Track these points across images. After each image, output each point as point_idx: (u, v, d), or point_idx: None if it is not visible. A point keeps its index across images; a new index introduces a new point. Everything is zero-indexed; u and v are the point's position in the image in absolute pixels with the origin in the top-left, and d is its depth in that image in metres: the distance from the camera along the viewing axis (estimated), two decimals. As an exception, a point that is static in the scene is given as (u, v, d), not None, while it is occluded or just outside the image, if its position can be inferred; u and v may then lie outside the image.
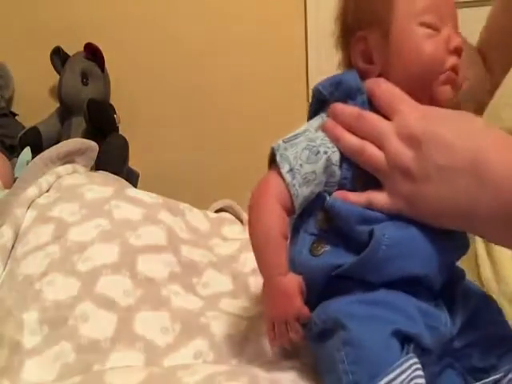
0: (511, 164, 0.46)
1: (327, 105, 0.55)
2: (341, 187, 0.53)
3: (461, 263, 0.83)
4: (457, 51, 0.53)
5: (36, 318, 0.62)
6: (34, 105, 1.71)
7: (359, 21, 0.55)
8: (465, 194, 0.48)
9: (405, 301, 0.50)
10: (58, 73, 1.64)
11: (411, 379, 0.44)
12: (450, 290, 0.54)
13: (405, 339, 0.47)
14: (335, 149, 0.53)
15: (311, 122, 0.56)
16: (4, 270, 0.71)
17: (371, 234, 0.49)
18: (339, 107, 0.54)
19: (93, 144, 0.99)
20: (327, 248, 0.52)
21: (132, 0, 1.70)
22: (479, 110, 0.81)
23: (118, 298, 0.65)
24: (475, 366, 0.51)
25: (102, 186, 0.84)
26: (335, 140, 0.53)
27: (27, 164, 1.15)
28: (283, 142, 0.53)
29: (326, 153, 0.52)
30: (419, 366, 0.45)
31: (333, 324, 0.49)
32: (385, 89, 0.53)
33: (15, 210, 0.77)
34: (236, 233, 0.88)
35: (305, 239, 0.54)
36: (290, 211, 0.53)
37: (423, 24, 0.53)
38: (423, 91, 0.53)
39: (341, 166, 0.53)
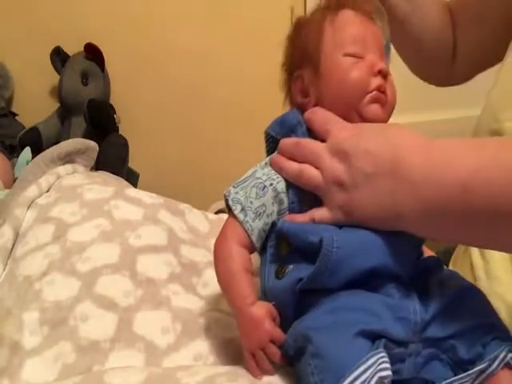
0: (423, 165, 0.51)
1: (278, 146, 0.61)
2: (291, 212, 0.58)
3: (456, 263, 0.84)
4: (381, 73, 0.59)
5: (36, 318, 0.62)
6: (34, 105, 1.71)
7: (295, 62, 0.63)
8: (390, 197, 0.52)
9: (367, 299, 0.51)
10: (58, 73, 1.64)
11: (376, 373, 0.45)
12: (423, 278, 0.55)
13: (374, 336, 0.48)
14: (280, 179, 0.58)
15: (260, 164, 0.61)
16: (4, 270, 0.71)
17: (321, 241, 0.52)
18: (282, 141, 0.60)
19: (93, 144, 0.99)
20: (290, 267, 0.55)
21: (132, 0, 1.70)
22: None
23: (118, 298, 0.65)
24: (462, 357, 0.51)
25: (102, 186, 0.84)
26: (279, 170, 0.59)
27: (27, 164, 1.15)
28: (233, 187, 0.59)
29: (271, 185, 0.58)
30: (385, 359, 0.46)
31: (302, 340, 0.50)
32: (320, 114, 0.59)
33: (15, 210, 0.77)
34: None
35: (271, 268, 0.57)
36: (250, 248, 0.58)
37: (347, 54, 0.59)
38: (353, 112, 0.59)
39: (287, 193, 0.58)
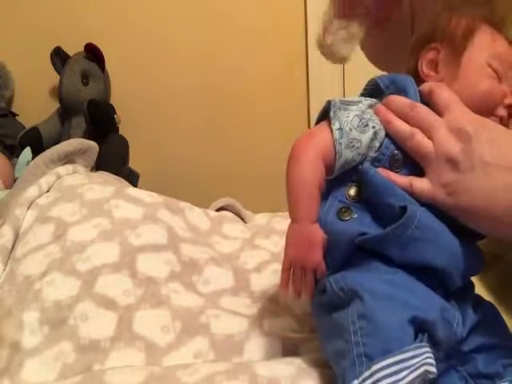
0: None
1: (379, 97, 0.58)
2: (375, 163, 0.55)
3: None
4: (510, 108, 0.57)
5: (36, 318, 0.62)
6: (34, 105, 1.71)
7: (440, 34, 0.59)
8: (505, 190, 0.49)
9: (425, 289, 0.50)
10: (59, 73, 1.64)
11: (422, 365, 0.45)
12: (464, 293, 0.54)
13: (420, 328, 0.47)
14: (383, 128, 0.55)
15: (365, 98, 0.57)
16: (4, 270, 0.71)
17: (404, 210, 0.50)
18: (393, 97, 0.57)
19: (93, 144, 0.99)
20: (355, 216, 0.53)
21: (132, 0, 1.70)
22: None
23: (118, 297, 0.65)
24: (480, 371, 0.51)
25: (102, 186, 0.84)
26: (386, 122, 0.55)
27: (27, 164, 1.15)
28: (340, 101, 0.55)
29: (373, 127, 0.54)
30: (431, 355, 0.46)
31: (351, 295, 0.49)
32: (446, 90, 0.56)
33: (15, 210, 0.77)
34: (237, 231, 0.88)
35: (333, 204, 0.54)
36: (329, 168, 0.54)
37: (490, 65, 0.57)
38: None
39: (382, 144, 0.54)
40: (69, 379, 0.55)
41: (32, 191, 0.82)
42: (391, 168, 0.54)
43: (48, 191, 0.84)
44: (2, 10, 1.69)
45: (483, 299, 0.57)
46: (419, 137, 0.54)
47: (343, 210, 0.54)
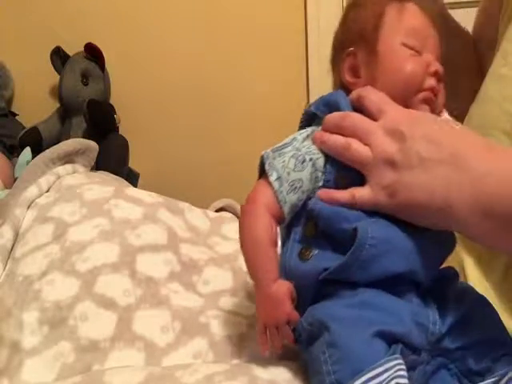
0: (489, 162, 0.49)
1: (316, 120, 0.58)
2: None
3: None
4: (436, 75, 0.57)
5: (36, 318, 0.62)
6: (34, 105, 1.71)
7: (349, 38, 0.60)
8: (444, 186, 0.50)
9: (391, 301, 0.50)
10: (58, 73, 1.64)
11: (392, 378, 0.44)
12: (441, 288, 0.54)
13: (392, 340, 0.48)
14: (320, 155, 0.55)
15: (299, 132, 0.58)
16: (4, 270, 0.71)
17: (355, 232, 0.50)
18: (328, 116, 0.57)
19: (93, 144, 0.99)
20: (315, 252, 0.54)
21: (132, 0, 1.70)
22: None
23: (117, 297, 0.64)
24: (471, 368, 0.51)
25: (102, 186, 0.84)
26: (321, 143, 0.55)
27: (27, 164, 1.15)
28: (272, 151, 0.56)
29: (311, 160, 0.55)
30: (403, 366, 0.46)
31: (318, 326, 0.50)
32: (373, 93, 0.56)
33: (15, 210, 0.77)
34: (236, 232, 0.88)
35: (294, 246, 0.55)
36: (279, 219, 0.55)
37: (406, 45, 0.57)
38: (401, 104, 0.56)
39: (324, 170, 0.55)
40: (68, 379, 0.55)
41: (32, 191, 0.82)
42: (339, 188, 0.54)
43: (48, 191, 0.85)
44: (2, 10, 1.69)
45: (472, 291, 0.56)
46: (355, 145, 0.54)
47: (303, 250, 0.54)
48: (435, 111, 0.58)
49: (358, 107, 0.56)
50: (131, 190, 0.85)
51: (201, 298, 0.69)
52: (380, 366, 0.45)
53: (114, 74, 1.69)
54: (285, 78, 1.65)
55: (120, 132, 1.62)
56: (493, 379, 0.49)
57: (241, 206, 0.57)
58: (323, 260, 0.52)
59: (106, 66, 1.65)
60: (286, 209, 0.54)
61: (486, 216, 0.48)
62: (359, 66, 0.59)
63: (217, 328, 0.64)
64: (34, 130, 1.59)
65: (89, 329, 0.61)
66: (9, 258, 0.73)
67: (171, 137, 1.72)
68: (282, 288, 0.52)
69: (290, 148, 0.56)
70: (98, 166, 1.17)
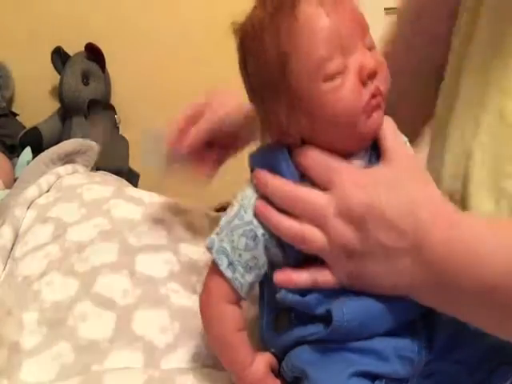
0: (445, 243, 0.45)
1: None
2: (284, 265, 0.50)
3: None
4: (371, 76, 0.47)
5: (35, 318, 0.62)
6: (35, 105, 1.71)
7: (260, 94, 0.50)
8: (408, 275, 0.47)
9: (371, 340, 0.48)
10: (59, 73, 1.64)
11: None
12: (430, 315, 0.51)
13: (373, 377, 0.46)
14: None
15: (246, 195, 0.51)
16: (3, 270, 0.71)
17: (329, 312, 0.48)
18: (272, 183, 0.50)
19: (93, 144, 0.99)
20: (292, 321, 0.51)
21: (132, 0, 1.70)
22: None
23: (116, 297, 0.64)
24: (466, 381, 0.50)
25: (102, 186, 0.84)
26: (272, 227, 0.49)
27: (27, 164, 1.15)
28: (216, 234, 0.51)
29: (263, 235, 0.49)
30: None
31: (299, 372, 0.49)
32: (316, 159, 0.49)
33: (15, 210, 0.77)
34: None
35: (269, 314, 0.53)
36: (238, 300, 0.52)
37: (327, 78, 0.46)
38: (351, 134, 0.49)
39: (283, 248, 0.50)
40: (68, 379, 0.55)
41: (32, 191, 0.82)
42: (306, 260, 0.49)
43: (48, 191, 0.84)
44: (3, 10, 1.69)
45: None
46: (309, 234, 0.48)
47: (280, 318, 0.52)
48: (385, 102, 0.49)
49: (302, 171, 0.50)
50: (131, 190, 0.85)
51: (200, 298, 0.69)
52: None
53: (114, 74, 1.70)
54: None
55: (120, 132, 1.62)
56: None
57: (199, 300, 0.53)
58: (301, 329, 0.50)
59: (107, 66, 1.66)
60: (245, 291, 0.51)
61: (450, 296, 0.46)
62: (287, 124, 0.49)
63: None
64: (35, 129, 1.59)
65: (88, 329, 0.61)
66: (8, 258, 0.73)
67: (171, 137, 1.72)
68: (261, 367, 0.50)
69: (236, 222, 0.50)
70: (98, 166, 1.17)
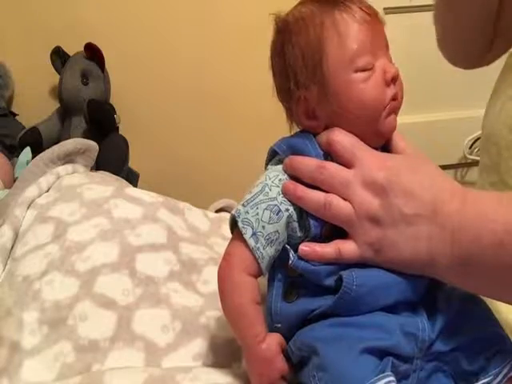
0: (461, 213, 0.49)
1: (277, 156, 0.56)
2: (310, 240, 0.53)
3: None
4: (393, 80, 0.54)
5: (35, 317, 0.62)
6: (34, 105, 1.71)
7: (293, 80, 0.55)
8: (426, 242, 0.50)
9: (378, 316, 0.50)
10: (58, 73, 1.64)
11: None
12: (431, 294, 0.54)
13: (381, 353, 0.47)
14: (296, 205, 0.53)
15: (269, 176, 0.55)
16: (3, 270, 0.71)
17: (340, 280, 0.50)
18: (297, 160, 0.54)
19: (93, 144, 0.99)
20: (300, 292, 0.53)
21: (132, 0, 1.70)
22: None
23: (117, 297, 0.65)
24: (465, 369, 0.51)
25: (102, 186, 0.84)
26: (296, 199, 0.53)
27: (27, 164, 1.15)
28: (243, 205, 0.53)
29: (287, 210, 0.53)
30: (394, 383, 0.46)
31: (307, 350, 0.50)
32: (343, 138, 0.53)
33: (15, 210, 0.77)
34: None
35: (278, 287, 0.54)
36: (258, 274, 0.54)
37: (358, 70, 0.53)
38: (370, 129, 0.54)
39: (307, 221, 0.53)
40: (68, 379, 0.55)
41: (32, 191, 0.82)
42: (322, 236, 0.53)
43: (48, 191, 0.85)
44: (2, 10, 1.69)
45: (462, 291, 0.55)
46: (335, 203, 0.52)
47: (288, 291, 0.53)
48: (398, 111, 0.56)
49: (328, 152, 0.54)
50: (131, 190, 0.85)
51: (201, 297, 0.69)
52: None
53: (113, 74, 1.69)
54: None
55: (120, 132, 1.62)
56: (488, 379, 0.50)
57: (218, 268, 0.54)
58: (309, 302, 0.52)
59: (106, 66, 1.65)
60: (265, 264, 0.53)
61: (466, 270, 0.49)
62: (314, 108, 0.54)
63: (217, 329, 0.64)
64: (34, 129, 1.59)
65: (88, 328, 0.61)
66: (8, 257, 0.73)
67: (171, 137, 1.72)
68: (272, 344, 0.52)
69: (262, 197, 0.53)
70: (98, 166, 1.17)
